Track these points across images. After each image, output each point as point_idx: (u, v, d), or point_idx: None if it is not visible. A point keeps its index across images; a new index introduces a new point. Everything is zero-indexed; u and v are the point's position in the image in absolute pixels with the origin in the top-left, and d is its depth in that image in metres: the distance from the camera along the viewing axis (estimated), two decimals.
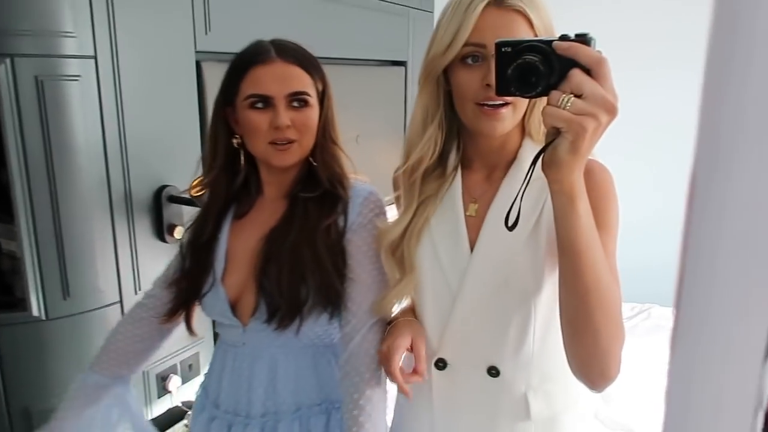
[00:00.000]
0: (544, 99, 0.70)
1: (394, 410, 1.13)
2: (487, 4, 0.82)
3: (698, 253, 0.23)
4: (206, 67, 1.51)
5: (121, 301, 1.39)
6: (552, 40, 0.68)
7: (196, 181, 1.07)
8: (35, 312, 1.28)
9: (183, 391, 1.60)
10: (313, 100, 0.99)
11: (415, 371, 0.93)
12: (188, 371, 1.59)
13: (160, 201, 1.44)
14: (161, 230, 1.45)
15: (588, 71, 0.66)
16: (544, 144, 0.73)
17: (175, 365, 1.55)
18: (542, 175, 0.73)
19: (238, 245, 1.05)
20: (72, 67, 1.22)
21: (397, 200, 1.06)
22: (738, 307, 0.23)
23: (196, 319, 1.08)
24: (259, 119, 0.96)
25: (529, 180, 0.77)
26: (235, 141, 1.02)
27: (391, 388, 1.02)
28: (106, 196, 1.33)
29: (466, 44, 0.83)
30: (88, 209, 1.30)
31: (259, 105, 0.96)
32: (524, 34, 0.83)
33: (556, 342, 0.84)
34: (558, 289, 0.80)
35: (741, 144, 0.21)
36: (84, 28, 1.23)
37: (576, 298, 0.76)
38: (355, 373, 0.96)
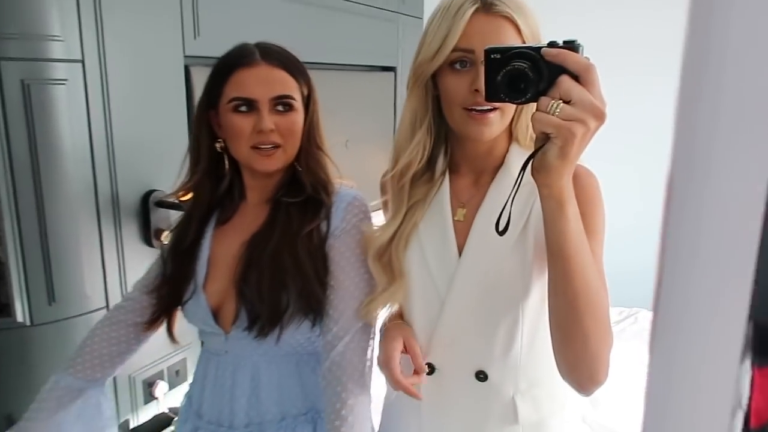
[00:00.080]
0: (532, 105, 0.70)
1: (382, 415, 1.13)
2: (476, 10, 0.83)
3: (675, 255, 0.23)
4: (195, 71, 1.50)
5: (107, 307, 1.38)
6: (541, 47, 0.69)
7: (180, 185, 1.06)
8: (20, 318, 1.26)
9: (170, 397, 1.58)
10: (298, 104, 0.98)
11: (415, 372, 0.95)
12: (175, 377, 1.58)
13: (147, 205, 1.43)
14: (148, 235, 1.44)
15: (576, 77, 0.67)
16: (531, 149, 0.73)
17: (161, 371, 1.54)
18: (529, 180, 0.74)
19: (221, 251, 1.03)
20: (59, 70, 1.21)
21: (384, 205, 1.06)
22: (715, 309, 0.23)
23: (183, 325, 1.07)
24: (242, 123, 0.95)
25: (519, 185, 0.78)
26: (218, 145, 1.01)
27: (378, 394, 1.02)
28: (93, 201, 1.32)
29: (454, 50, 0.83)
30: (74, 214, 1.29)
31: (243, 108, 0.94)
32: (512, 40, 0.83)
33: (544, 346, 0.84)
34: (547, 294, 0.81)
35: (716, 147, 0.22)
36: (71, 32, 1.22)
37: (565, 302, 0.76)
38: (337, 382, 0.94)
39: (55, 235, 1.26)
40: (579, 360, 0.79)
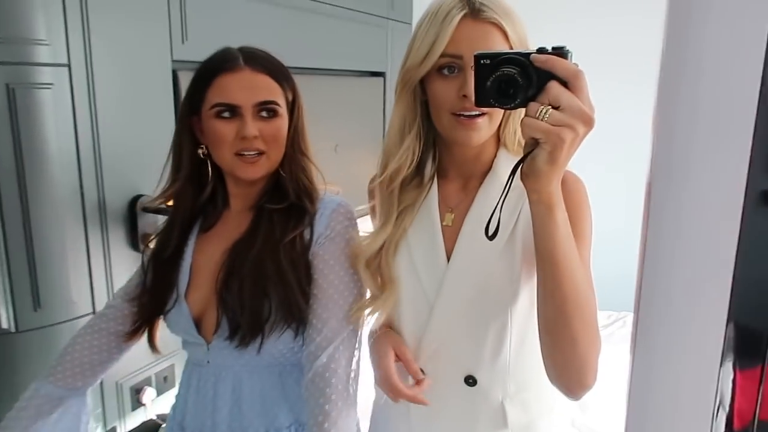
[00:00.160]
0: (520, 110, 0.71)
1: (371, 420, 1.13)
2: (464, 16, 0.83)
3: (656, 259, 0.23)
4: (183, 76, 1.50)
5: (94, 313, 1.36)
6: (530, 53, 0.69)
7: (161, 192, 1.03)
8: (4, 324, 1.25)
9: (158, 404, 1.57)
10: (283, 110, 0.96)
11: (418, 382, 0.95)
12: (163, 383, 1.57)
13: (134, 210, 1.42)
14: (136, 240, 1.43)
15: (565, 83, 0.67)
16: (519, 154, 0.74)
17: (149, 377, 1.52)
18: (517, 184, 0.74)
19: (203, 259, 1.01)
20: (45, 75, 1.20)
21: (372, 210, 1.06)
22: (695, 312, 0.23)
23: (169, 331, 1.05)
24: (225, 129, 0.93)
25: (508, 190, 0.78)
26: (200, 151, 0.99)
27: (365, 401, 1.02)
28: (79, 206, 1.30)
29: (442, 55, 0.84)
30: (60, 218, 1.28)
31: (226, 114, 0.92)
32: (500, 46, 0.84)
33: (533, 350, 0.84)
34: (536, 298, 0.81)
35: (694, 153, 0.22)
36: (57, 36, 1.21)
37: (554, 306, 0.77)
38: (320, 393, 0.91)
39: (40, 240, 1.25)
40: (567, 364, 0.79)
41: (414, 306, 0.97)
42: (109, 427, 1.45)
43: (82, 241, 1.33)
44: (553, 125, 0.66)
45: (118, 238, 1.41)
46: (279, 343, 0.96)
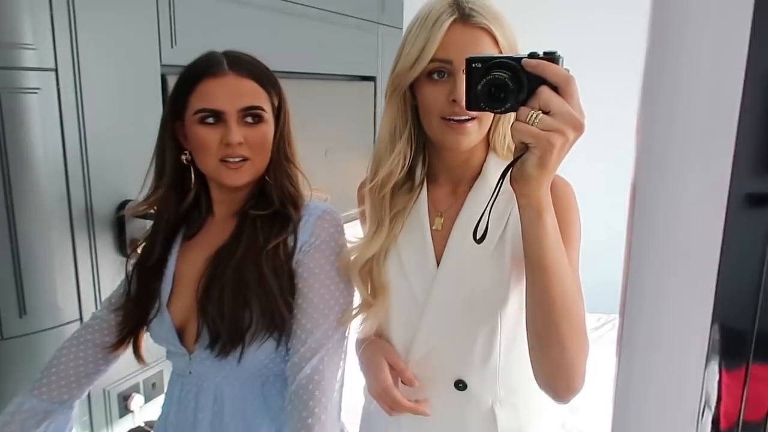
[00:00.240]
0: (510, 115, 0.71)
1: (360, 426, 1.13)
2: (453, 21, 0.83)
3: (641, 262, 0.23)
4: (172, 80, 1.48)
5: (81, 319, 1.35)
6: (521, 57, 0.70)
7: (144, 200, 1.01)
8: None
9: (146, 411, 1.55)
10: (268, 115, 0.94)
11: (420, 401, 0.95)
12: (151, 390, 1.55)
13: (122, 216, 1.41)
14: (124, 245, 1.42)
15: (556, 88, 0.68)
16: (508, 159, 0.74)
17: (137, 384, 1.51)
18: (507, 189, 0.75)
19: (186, 267, 0.99)
20: (31, 79, 1.19)
21: (361, 215, 1.06)
22: (680, 313, 0.23)
23: (149, 344, 1.03)
24: (208, 136, 0.91)
25: (497, 194, 0.78)
26: (184, 157, 0.97)
27: (353, 408, 1.01)
28: (66, 211, 1.29)
29: (432, 60, 0.84)
30: (46, 224, 1.26)
31: (210, 120, 0.90)
32: (489, 50, 0.84)
33: (522, 354, 0.85)
34: (524, 302, 0.81)
35: (678, 157, 0.22)
36: (44, 40, 1.20)
37: (543, 310, 0.77)
38: (303, 406, 0.88)
39: (26, 246, 1.23)
40: (556, 368, 0.79)
41: (404, 311, 0.97)
42: None
43: (68, 246, 1.31)
44: (543, 130, 0.66)
45: (105, 243, 1.40)
46: (260, 353, 0.93)
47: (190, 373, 0.99)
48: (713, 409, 0.27)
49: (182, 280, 0.99)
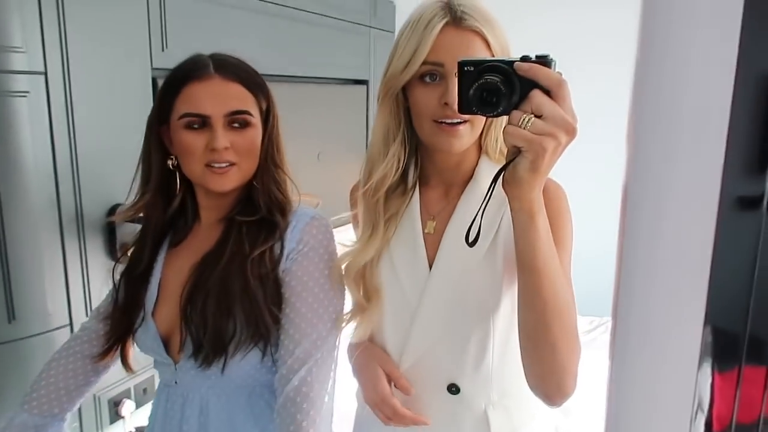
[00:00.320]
0: (502, 118, 0.71)
1: (353, 431, 1.12)
2: (445, 24, 0.83)
3: (633, 264, 0.23)
4: None
5: (71, 324, 1.34)
6: (513, 61, 0.70)
7: (130, 206, 0.99)
8: None
9: (137, 416, 1.54)
10: (255, 119, 0.92)
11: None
12: (143, 395, 1.54)
13: (112, 220, 1.40)
14: (114, 249, 1.41)
15: (548, 92, 0.68)
16: (500, 162, 0.74)
17: (128, 389, 1.50)
18: (499, 192, 0.75)
19: (171, 275, 0.97)
20: (20, 82, 1.18)
21: (354, 219, 1.05)
22: (672, 315, 0.23)
23: (136, 353, 1.02)
24: (194, 141, 0.88)
25: (489, 197, 0.78)
26: (170, 162, 0.95)
27: (346, 413, 1.01)
28: (56, 215, 1.28)
29: (424, 63, 0.84)
30: (35, 229, 1.25)
31: (195, 125, 0.88)
32: (481, 53, 0.84)
33: (515, 357, 0.85)
34: (517, 305, 0.81)
35: (670, 158, 0.22)
36: (33, 43, 1.19)
37: (535, 313, 0.77)
38: (290, 420, 0.86)
39: (15, 250, 1.22)
40: (547, 371, 0.79)
41: (397, 314, 0.97)
42: None
43: (58, 251, 1.30)
44: (535, 134, 0.66)
45: (96, 247, 1.38)
46: (245, 363, 0.90)
47: (176, 383, 0.96)
48: (706, 412, 0.26)
49: (167, 288, 0.97)
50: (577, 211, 0.91)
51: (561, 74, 0.69)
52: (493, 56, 0.85)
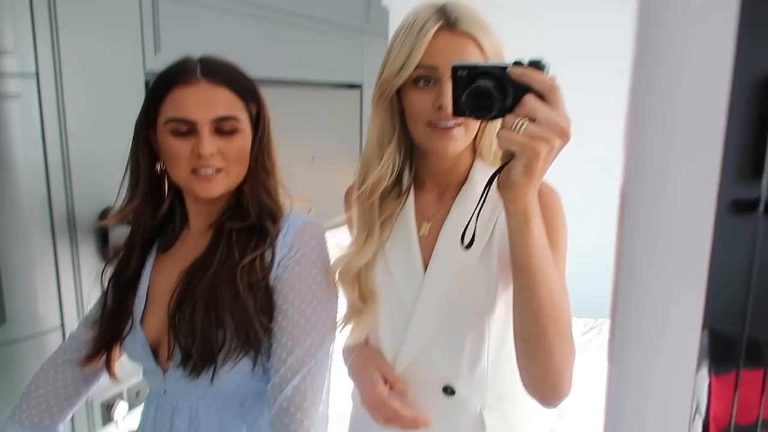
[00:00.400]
0: (497, 121, 0.71)
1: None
2: (439, 28, 0.84)
3: (631, 267, 0.23)
4: None
5: (62, 327, 1.33)
6: (507, 66, 0.70)
7: (117, 211, 0.97)
8: None
9: (130, 420, 1.53)
10: (244, 125, 0.89)
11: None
12: (135, 398, 1.53)
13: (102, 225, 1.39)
14: (107, 252, 1.40)
15: (541, 96, 0.68)
16: (495, 165, 0.74)
17: (121, 392, 1.48)
18: (493, 194, 0.75)
19: (160, 282, 0.95)
20: (11, 85, 1.17)
21: (349, 221, 1.05)
22: (671, 318, 0.23)
23: (122, 361, 1.00)
24: (180, 147, 0.86)
25: (484, 200, 0.78)
26: (158, 166, 0.93)
27: (340, 415, 1.00)
28: (47, 218, 1.27)
29: (418, 66, 0.84)
30: (27, 231, 1.24)
31: (181, 130, 0.86)
32: (475, 58, 0.85)
33: (510, 359, 0.85)
34: (512, 308, 0.81)
35: (668, 162, 0.22)
36: (25, 45, 1.18)
37: (530, 315, 0.77)
38: (285, 431, 0.84)
39: (5, 253, 1.21)
40: (542, 373, 0.79)
41: (392, 316, 0.97)
42: None
43: (50, 253, 1.29)
44: (528, 138, 0.66)
45: (87, 250, 1.38)
46: (235, 373, 0.88)
47: (165, 392, 0.95)
48: (704, 415, 0.27)
49: (156, 295, 0.95)
50: (571, 213, 0.92)
51: (555, 78, 0.69)
52: (487, 60, 0.85)
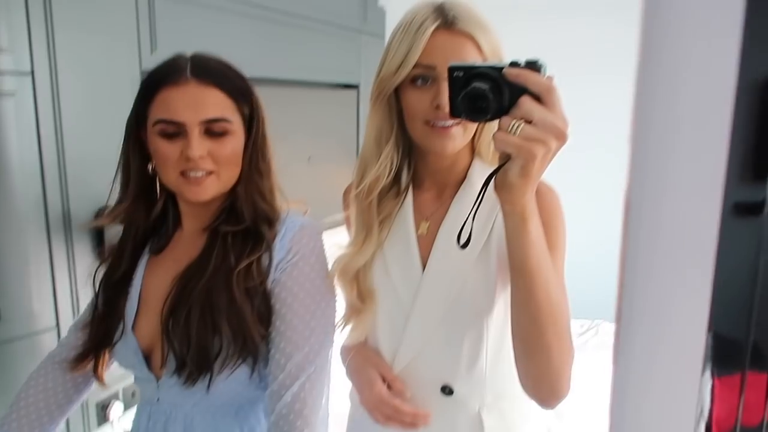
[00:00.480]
0: (495, 120, 0.71)
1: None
2: (437, 27, 0.83)
3: (636, 270, 0.23)
4: None
5: (57, 326, 1.32)
6: (503, 67, 0.69)
7: (109, 211, 0.96)
8: None
9: (125, 420, 1.52)
10: (235, 126, 0.86)
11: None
12: (131, 398, 1.52)
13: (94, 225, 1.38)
14: (103, 251, 1.39)
15: (538, 98, 0.68)
16: (493, 164, 0.74)
17: (116, 392, 1.48)
18: (492, 194, 0.75)
19: (153, 285, 0.92)
20: (7, 83, 1.17)
21: (347, 220, 1.05)
22: (676, 321, 0.23)
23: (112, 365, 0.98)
24: (168, 149, 0.83)
25: (481, 200, 0.78)
26: (150, 166, 0.90)
27: (338, 415, 1.00)
28: (43, 217, 1.26)
29: (415, 65, 0.84)
30: (22, 230, 1.23)
31: (170, 131, 0.83)
32: (473, 57, 0.84)
33: (509, 360, 0.85)
34: (510, 308, 0.81)
35: (673, 163, 0.22)
36: (20, 43, 1.18)
37: (528, 316, 0.77)
38: None
39: (0, 251, 1.20)
40: (541, 374, 0.79)
41: (390, 316, 0.97)
42: None
43: (45, 252, 1.29)
44: (524, 140, 0.66)
45: (83, 249, 1.37)
46: (232, 380, 0.86)
47: (158, 400, 0.92)
48: (706, 417, 0.26)
49: (148, 299, 0.92)
50: (569, 214, 0.91)
51: (552, 78, 0.68)
52: (485, 60, 0.85)
